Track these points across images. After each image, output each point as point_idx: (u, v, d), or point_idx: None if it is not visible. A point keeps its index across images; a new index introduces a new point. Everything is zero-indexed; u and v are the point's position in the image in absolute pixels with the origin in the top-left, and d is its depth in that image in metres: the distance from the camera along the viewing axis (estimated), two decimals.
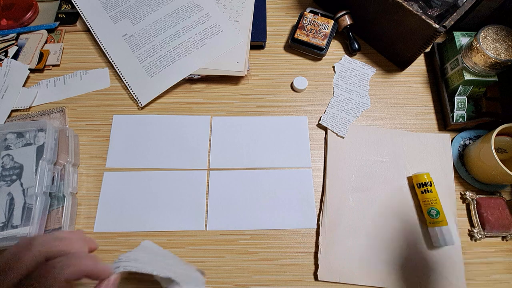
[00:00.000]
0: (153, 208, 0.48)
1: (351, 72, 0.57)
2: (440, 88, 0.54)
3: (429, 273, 0.45)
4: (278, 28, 0.61)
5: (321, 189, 0.49)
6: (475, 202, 0.48)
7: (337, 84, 0.56)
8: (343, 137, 0.52)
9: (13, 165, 0.44)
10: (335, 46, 0.60)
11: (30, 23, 0.60)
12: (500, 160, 0.43)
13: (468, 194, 0.48)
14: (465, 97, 0.51)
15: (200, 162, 0.51)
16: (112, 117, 0.53)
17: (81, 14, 0.59)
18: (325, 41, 0.55)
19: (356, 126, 0.53)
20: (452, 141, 0.52)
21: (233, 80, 0.56)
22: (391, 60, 0.58)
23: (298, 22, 0.57)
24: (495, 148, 0.43)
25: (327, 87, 0.56)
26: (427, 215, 0.46)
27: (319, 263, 0.44)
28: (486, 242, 0.47)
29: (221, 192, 0.49)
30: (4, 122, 0.51)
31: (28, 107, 0.53)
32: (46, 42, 0.58)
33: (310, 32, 0.56)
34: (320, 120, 0.53)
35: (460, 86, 0.51)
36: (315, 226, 0.47)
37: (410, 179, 0.50)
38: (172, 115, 0.54)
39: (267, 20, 0.59)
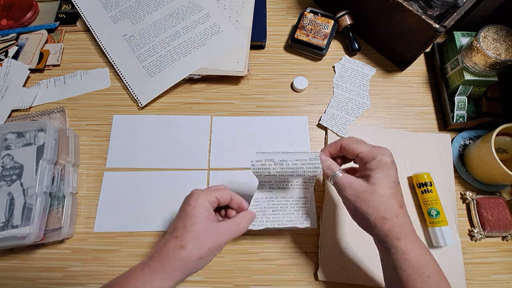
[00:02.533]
0: (153, 208, 0.48)
1: (351, 72, 0.57)
2: (440, 88, 0.54)
3: None
4: (278, 28, 0.61)
5: (321, 189, 0.49)
6: (475, 202, 0.48)
7: (337, 84, 0.56)
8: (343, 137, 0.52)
9: (13, 165, 0.44)
10: (335, 46, 0.60)
11: (30, 23, 0.60)
12: (500, 160, 0.43)
13: (468, 194, 0.48)
14: (465, 97, 0.51)
15: (200, 162, 0.51)
16: (112, 117, 0.53)
17: (81, 14, 0.59)
18: (325, 41, 0.55)
19: (356, 126, 0.53)
20: (452, 141, 0.52)
21: (233, 80, 0.56)
22: (391, 60, 0.58)
23: (298, 22, 0.57)
24: (495, 148, 0.43)
25: (327, 87, 0.56)
26: (427, 215, 0.46)
27: (319, 263, 0.45)
28: (486, 242, 0.47)
29: None
30: (4, 122, 0.51)
31: (28, 107, 0.53)
32: (46, 42, 0.58)
33: (310, 32, 0.56)
34: (320, 120, 0.53)
35: (460, 86, 0.51)
36: (315, 226, 0.47)
37: (410, 179, 0.50)
38: (172, 115, 0.54)
39: (267, 20, 0.59)
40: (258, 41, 0.58)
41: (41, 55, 0.56)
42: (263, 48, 0.59)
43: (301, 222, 0.41)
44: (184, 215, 0.34)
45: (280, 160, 0.36)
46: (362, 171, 0.35)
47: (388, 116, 0.54)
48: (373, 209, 0.32)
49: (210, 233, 0.33)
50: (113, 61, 0.56)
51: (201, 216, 0.34)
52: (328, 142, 0.52)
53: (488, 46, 0.46)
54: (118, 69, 0.56)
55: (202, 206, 0.34)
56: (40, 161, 0.43)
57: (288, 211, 0.41)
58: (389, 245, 0.32)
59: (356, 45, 0.57)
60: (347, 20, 0.56)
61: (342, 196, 0.35)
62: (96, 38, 0.57)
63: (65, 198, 0.45)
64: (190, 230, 0.32)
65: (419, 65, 0.58)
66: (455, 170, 0.50)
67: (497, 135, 0.44)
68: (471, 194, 0.48)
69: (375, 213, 0.32)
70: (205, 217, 0.34)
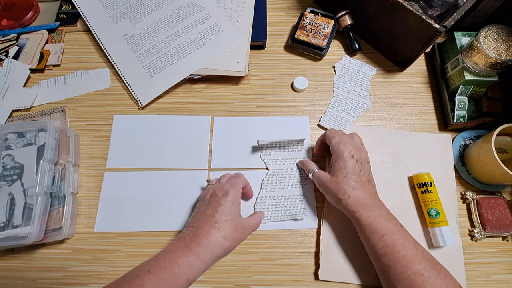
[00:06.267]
0: (153, 208, 0.48)
1: (352, 72, 0.57)
2: (440, 88, 0.54)
3: None
4: (278, 28, 0.61)
5: None
6: (475, 202, 0.48)
7: (338, 84, 0.56)
8: None
9: (14, 165, 0.44)
10: (336, 46, 0.60)
11: (30, 23, 0.60)
12: (501, 160, 0.43)
13: (469, 194, 0.48)
14: (465, 97, 0.51)
15: (200, 162, 0.51)
16: (112, 117, 0.53)
17: (82, 14, 0.59)
18: (326, 41, 0.55)
19: (357, 126, 0.53)
20: (452, 141, 0.52)
21: (233, 80, 0.56)
22: (392, 60, 0.58)
23: (298, 22, 0.57)
24: (495, 148, 0.43)
25: (327, 87, 0.56)
26: (427, 215, 0.46)
27: (320, 262, 0.45)
28: (486, 242, 0.47)
29: None
30: (5, 122, 0.52)
31: (28, 107, 0.53)
32: (46, 42, 0.58)
33: (311, 32, 0.56)
34: (320, 120, 0.53)
35: (461, 86, 0.51)
36: (315, 226, 0.47)
37: (410, 179, 0.50)
38: (173, 115, 0.54)
39: (267, 20, 0.59)
40: (258, 41, 0.58)
41: (42, 55, 0.56)
42: (263, 48, 0.59)
43: (299, 215, 0.47)
44: (222, 210, 0.39)
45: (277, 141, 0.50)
46: (333, 154, 0.43)
47: (389, 116, 0.54)
48: (332, 192, 0.42)
49: (243, 228, 0.41)
50: (113, 61, 0.56)
51: (237, 212, 0.41)
52: None
53: (489, 46, 0.46)
54: (119, 69, 0.56)
55: (237, 203, 0.41)
56: (41, 161, 0.43)
57: (288, 207, 0.48)
58: (349, 216, 0.42)
59: (356, 45, 0.57)
60: (347, 20, 0.56)
61: (317, 186, 0.45)
62: (97, 38, 0.57)
63: (66, 198, 0.45)
64: (230, 224, 0.39)
65: (419, 65, 0.58)
66: (456, 170, 0.50)
67: (498, 135, 0.44)
68: (471, 194, 0.48)
69: (333, 195, 0.42)
70: (239, 213, 0.41)
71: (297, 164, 0.50)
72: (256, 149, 0.51)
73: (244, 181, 0.45)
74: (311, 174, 0.46)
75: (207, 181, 0.46)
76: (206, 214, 0.40)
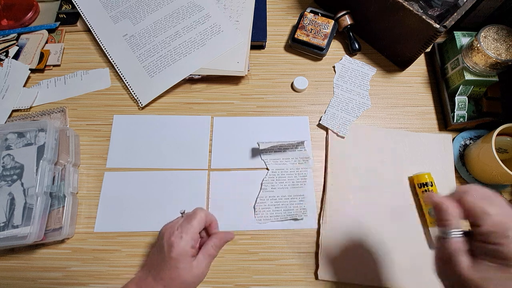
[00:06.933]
0: (153, 208, 0.48)
1: (352, 72, 0.57)
2: (440, 88, 0.54)
3: (430, 273, 0.44)
4: (278, 28, 0.61)
5: (321, 189, 0.49)
6: None
7: (338, 84, 0.56)
8: (343, 137, 0.52)
9: (14, 165, 0.44)
10: (336, 46, 0.60)
11: (30, 23, 0.60)
12: (501, 160, 0.43)
13: None
14: (465, 97, 0.51)
15: (200, 162, 0.51)
16: (112, 117, 0.53)
17: (82, 14, 0.59)
18: (326, 41, 0.55)
19: (357, 126, 0.53)
20: (452, 141, 0.52)
21: (233, 80, 0.56)
22: (392, 60, 0.58)
23: (298, 22, 0.57)
24: (495, 148, 0.43)
25: (327, 87, 0.56)
26: (428, 215, 0.46)
27: (319, 262, 0.44)
28: None
29: (221, 193, 0.49)
30: (5, 122, 0.52)
31: (28, 107, 0.53)
32: (46, 42, 0.58)
33: (311, 32, 0.56)
34: (320, 120, 0.53)
35: (461, 86, 0.50)
36: (315, 226, 0.47)
37: (411, 179, 0.50)
38: (173, 115, 0.54)
39: (267, 20, 0.59)
40: (258, 41, 0.58)
41: (42, 55, 0.56)
42: (263, 48, 0.59)
43: (300, 215, 0.47)
44: (168, 268, 0.35)
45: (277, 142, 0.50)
46: (487, 245, 0.26)
47: (389, 116, 0.54)
48: None
49: (195, 276, 0.36)
50: (113, 61, 0.56)
51: (186, 265, 0.35)
52: (329, 142, 0.52)
53: (489, 46, 0.46)
54: (119, 69, 0.56)
55: (185, 253, 0.36)
56: (41, 161, 0.43)
57: (288, 207, 0.48)
58: None
59: (356, 45, 0.57)
60: (347, 20, 0.56)
61: (445, 267, 0.27)
62: (97, 38, 0.57)
63: (66, 198, 0.45)
64: (177, 282, 0.35)
65: (419, 65, 0.58)
66: (456, 170, 0.50)
67: (498, 135, 0.44)
68: None
69: None
70: (189, 263, 0.36)
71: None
72: (256, 149, 0.51)
73: (202, 222, 0.38)
74: (444, 235, 0.28)
75: (181, 212, 0.41)
76: (155, 267, 0.37)
